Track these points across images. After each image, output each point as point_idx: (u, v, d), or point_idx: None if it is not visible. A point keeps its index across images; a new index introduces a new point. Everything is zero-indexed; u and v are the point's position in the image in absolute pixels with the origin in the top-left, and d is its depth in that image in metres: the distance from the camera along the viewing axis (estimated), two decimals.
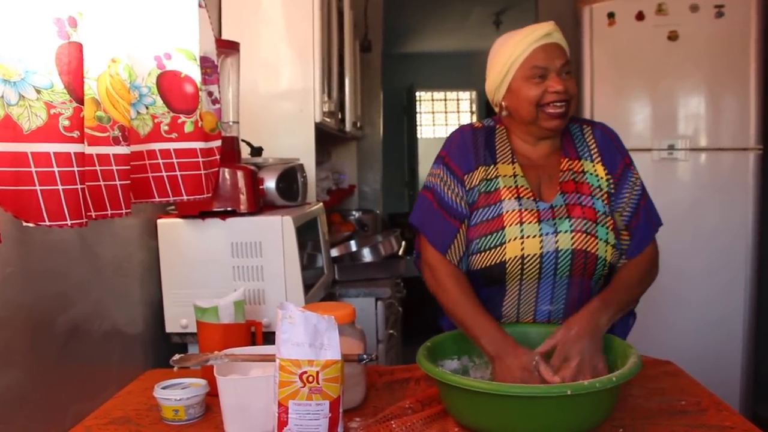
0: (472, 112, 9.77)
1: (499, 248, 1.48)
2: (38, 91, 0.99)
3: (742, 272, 3.14)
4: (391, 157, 5.33)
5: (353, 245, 2.78)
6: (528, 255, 1.47)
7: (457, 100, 9.96)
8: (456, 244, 1.54)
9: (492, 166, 1.55)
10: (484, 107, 9.00)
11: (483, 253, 1.50)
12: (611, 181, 1.55)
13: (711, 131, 3.14)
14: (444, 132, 9.93)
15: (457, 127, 1.64)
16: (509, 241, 1.48)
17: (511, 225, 1.48)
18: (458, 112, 10.02)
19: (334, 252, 2.67)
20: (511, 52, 1.50)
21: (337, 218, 3.63)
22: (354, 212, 4.06)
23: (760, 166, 3.12)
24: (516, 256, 1.47)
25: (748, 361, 3.16)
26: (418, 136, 8.62)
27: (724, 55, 3.09)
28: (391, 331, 2.67)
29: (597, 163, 1.57)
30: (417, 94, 8.51)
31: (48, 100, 1.00)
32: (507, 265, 1.48)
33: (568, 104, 1.50)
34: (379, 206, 4.83)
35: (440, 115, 10.05)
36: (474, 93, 9.56)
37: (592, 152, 1.58)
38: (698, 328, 3.13)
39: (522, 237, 1.47)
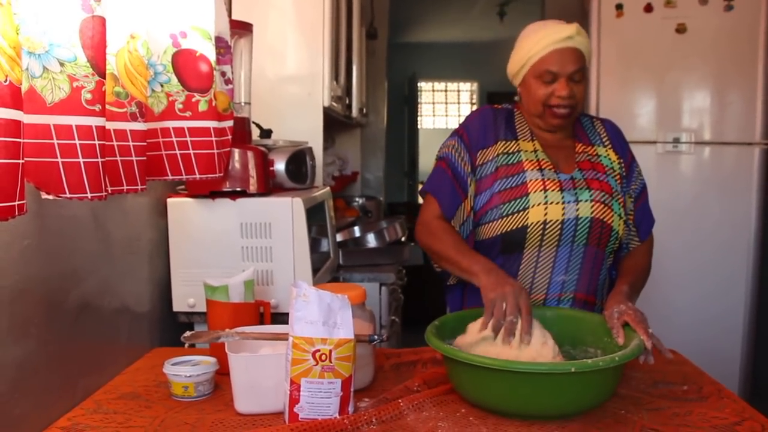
0: (472, 104, 9.73)
1: (522, 213, 1.54)
2: (62, 64, 1.00)
3: (743, 267, 3.15)
4: (391, 147, 5.32)
5: (357, 231, 2.80)
6: (550, 221, 1.54)
7: (458, 91, 9.94)
8: (458, 214, 1.60)
9: (513, 142, 1.62)
10: (485, 99, 8.99)
11: (505, 218, 1.55)
12: (623, 165, 1.66)
13: (716, 125, 3.15)
14: (444, 123, 9.91)
15: (457, 118, 1.70)
16: (533, 206, 1.54)
17: (535, 192, 1.55)
18: (458, 103, 9.99)
19: (338, 237, 2.67)
20: (530, 48, 1.56)
21: (341, 204, 3.64)
22: (357, 198, 4.06)
23: (765, 161, 3.13)
24: (538, 221, 1.53)
25: (747, 357, 3.17)
26: (419, 126, 8.59)
27: (731, 49, 3.09)
28: (393, 317, 2.68)
29: (609, 148, 1.67)
30: (419, 84, 8.47)
31: (71, 73, 1.01)
32: (528, 230, 1.54)
33: (574, 107, 1.57)
34: (382, 193, 4.83)
35: (440, 106, 10.03)
36: (475, 84, 9.54)
37: (604, 139, 1.69)
38: (697, 323, 3.14)
39: (545, 203, 1.54)
